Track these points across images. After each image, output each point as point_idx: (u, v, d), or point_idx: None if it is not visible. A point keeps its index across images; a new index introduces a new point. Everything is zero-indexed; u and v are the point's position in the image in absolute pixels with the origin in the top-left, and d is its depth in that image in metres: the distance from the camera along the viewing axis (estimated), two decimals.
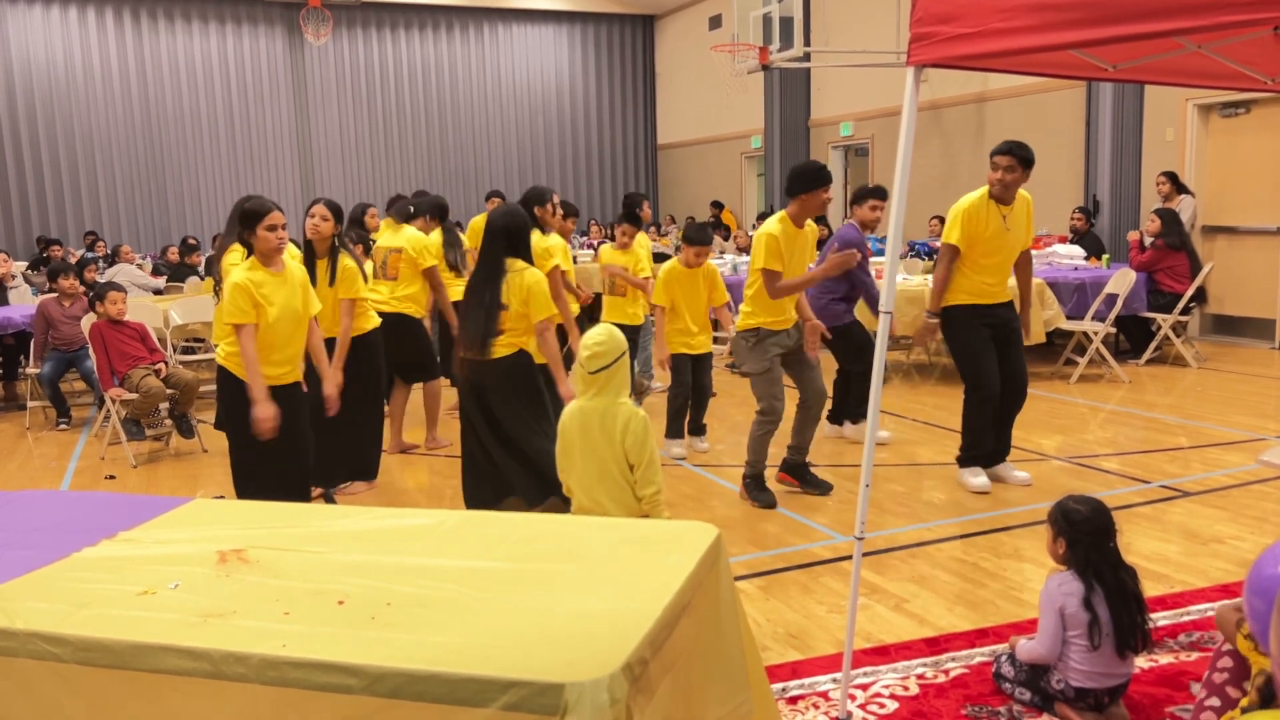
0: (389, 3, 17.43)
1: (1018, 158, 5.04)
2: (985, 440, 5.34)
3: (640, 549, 2.44)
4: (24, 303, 9.16)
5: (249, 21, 16.82)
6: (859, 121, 14.36)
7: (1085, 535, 2.93)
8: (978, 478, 5.34)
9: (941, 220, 11.79)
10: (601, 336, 3.32)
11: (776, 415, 5.08)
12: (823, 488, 5.31)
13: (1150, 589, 3.67)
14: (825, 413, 6.02)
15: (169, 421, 6.84)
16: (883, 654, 3.45)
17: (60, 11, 15.69)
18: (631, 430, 3.28)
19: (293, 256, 5.01)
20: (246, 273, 4.28)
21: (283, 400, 4.31)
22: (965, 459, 5.41)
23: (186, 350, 9.06)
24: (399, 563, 2.42)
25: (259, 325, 4.24)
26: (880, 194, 6.35)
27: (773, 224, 4.96)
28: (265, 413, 4.20)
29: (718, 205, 16.90)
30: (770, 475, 5.31)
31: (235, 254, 5.05)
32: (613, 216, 19.15)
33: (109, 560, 2.52)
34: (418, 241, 6.24)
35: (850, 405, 6.50)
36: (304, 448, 4.51)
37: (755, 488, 5.19)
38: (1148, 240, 8.85)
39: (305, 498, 4.56)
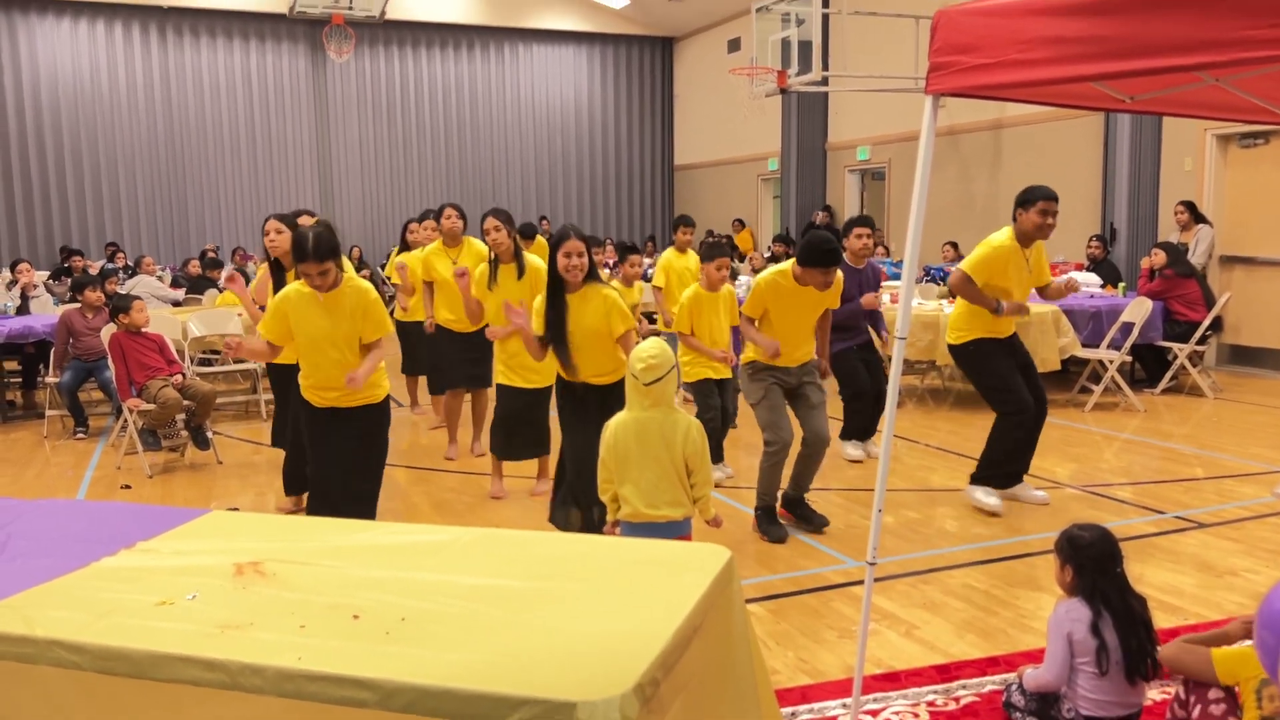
0: (411, 22, 17.60)
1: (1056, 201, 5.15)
2: (1010, 462, 5.41)
3: (653, 569, 2.45)
4: (45, 312, 9.26)
5: (273, 38, 17.02)
6: (876, 146, 14.40)
7: (1091, 560, 2.93)
8: (991, 497, 5.36)
9: (955, 246, 11.87)
10: (654, 350, 3.44)
11: (781, 444, 5.01)
12: (817, 523, 5.17)
13: (1163, 621, 3.66)
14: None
15: (185, 433, 6.88)
16: (893, 680, 3.44)
17: (88, 25, 15.92)
18: (692, 439, 3.47)
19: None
20: (293, 287, 4.28)
21: (331, 423, 4.32)
22: (981, 478, 5.44)
23: (203, 362, 9.13)
24: (414, 578, 2.44)
25: (305, 343, 4.26)
26: (866, 222, 6.51)
27: (774, 272, 5.03)
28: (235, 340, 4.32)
29: (740, 223, 16.98)
30: (826, 501, 5.27)
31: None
32: (629, 236, 19.23)
33: (128, 570, 2.55)
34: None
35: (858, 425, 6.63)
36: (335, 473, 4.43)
37: (766, 520, 5.10)
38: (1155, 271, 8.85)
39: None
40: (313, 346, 4.25)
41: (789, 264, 5.03)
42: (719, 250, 5.90)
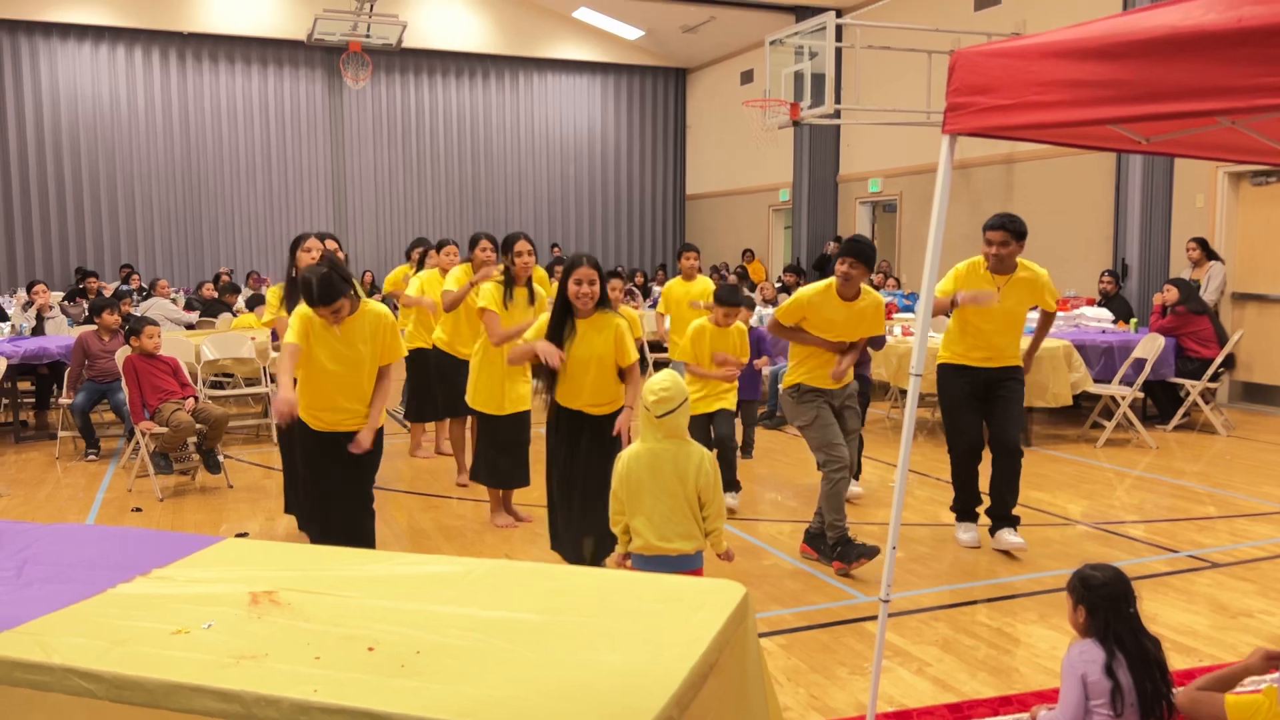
0: (427, 50, 17.78)
1: (1010, 231, 5.09)
2: (961, 495, 5.47)
3: (669, 605, 2.45)
4: (60, 333, 9.31)
5: (290, 64, 17.21)
6: (887, 178, 14.45)
7: (1104, 601, 2.92)
8: (964, 533, 5.45)
9: None
10: (666, 382, 3.45)
11: (840, 463, 4.94)
12: (870, 553, 4.99)
13: (1177, 662, 3.63)
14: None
15: (196, 456, 6.90)
16: (905, 719, 3.42)
17: (109, 50, 16.12)
18: (705, 471, 3.47)
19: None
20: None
21: (335, 448, 4.31)
22: (954, 509, 5.55)
23: (215, 385, 9.16)
24: (428, 610, 2.44)
25: (309, 363, 4.25)
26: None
27: (818, 287, 5.05)
28: (284, 402, 4.05)
29: (750, 254, 17.02)
30: (857, 533, 5.11)
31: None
32: (640, 264, 19.30)
33: (143, 598, 2.55)
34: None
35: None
36: (344, 495, 4.43)
37: (848, 548, 4.89)
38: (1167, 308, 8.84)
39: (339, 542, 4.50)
40: (321, 368, 4.26)
41: (832, 279, 5.03)
42: (738, 300, 5.93)
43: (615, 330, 4.43)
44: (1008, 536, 5.25)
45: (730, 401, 6.13)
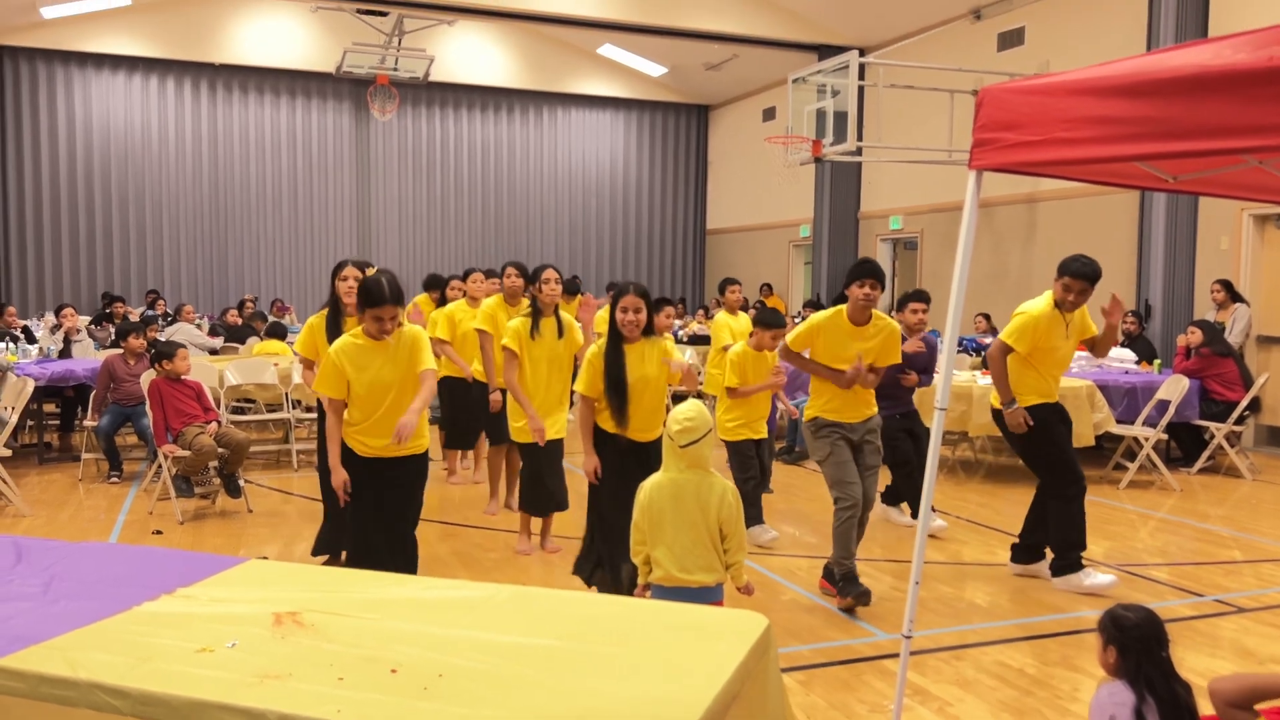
0: (454, 84, 18.01)
1: (1089, 280, 5.17)
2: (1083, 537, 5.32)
3: (692, 635, 2.44)
4: (86, 356, 9.42)
5: (319, 96, 17.47)
6: (908, 215, 14.48)
7: (1136, 642, 2.87)
8: (1090, 578, 5.22)
9: (988, 317, 11.86)
10: (690, 412, 3.44)
11: (852, 501, 4.89)
12: (862, 598, 4.94)
13: (1204, 708, 3.57)
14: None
15: (217, 480, 6.94)
16: None
17: (142, 80, 16.41)
18: (727, 503, 3.45)
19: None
20: (346, 338, 4.34)
21: (383, 472, 4.34)
22: (1068, 564, 5.29)
23: (237, 410, 9.23)
24: (451, 634, 2.44)
25: (351, 394, 4.27)
26: (920, 297, 6.58)
27: (829, 313, 5.04)
28: (337, 479, 4.27)
29: (768, 288, 17.05)
30: (859, 570, 5.03)
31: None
32: (659, 295, 19.35)
33: (169, 616, 2.57)
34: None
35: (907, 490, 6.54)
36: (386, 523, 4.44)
37: (847, 584, 4.88)
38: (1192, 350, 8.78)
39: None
40: (370, 392, 4.26)
41: (843, 306, 5.01)
42: (780, 321, 5.97)
43: (661, 350, 4.57)
44: (1090, 579, 5.25)
45: (763, 431, 6.15)
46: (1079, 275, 5.16)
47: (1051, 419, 5.27)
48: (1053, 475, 5.29)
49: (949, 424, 8.07)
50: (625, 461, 4.50)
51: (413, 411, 4.19)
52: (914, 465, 6.34)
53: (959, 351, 10.58)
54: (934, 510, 6.48)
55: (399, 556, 4.34)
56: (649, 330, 4.54)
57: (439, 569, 5.57)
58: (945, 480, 8.30)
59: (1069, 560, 5.27)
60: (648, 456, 4.42)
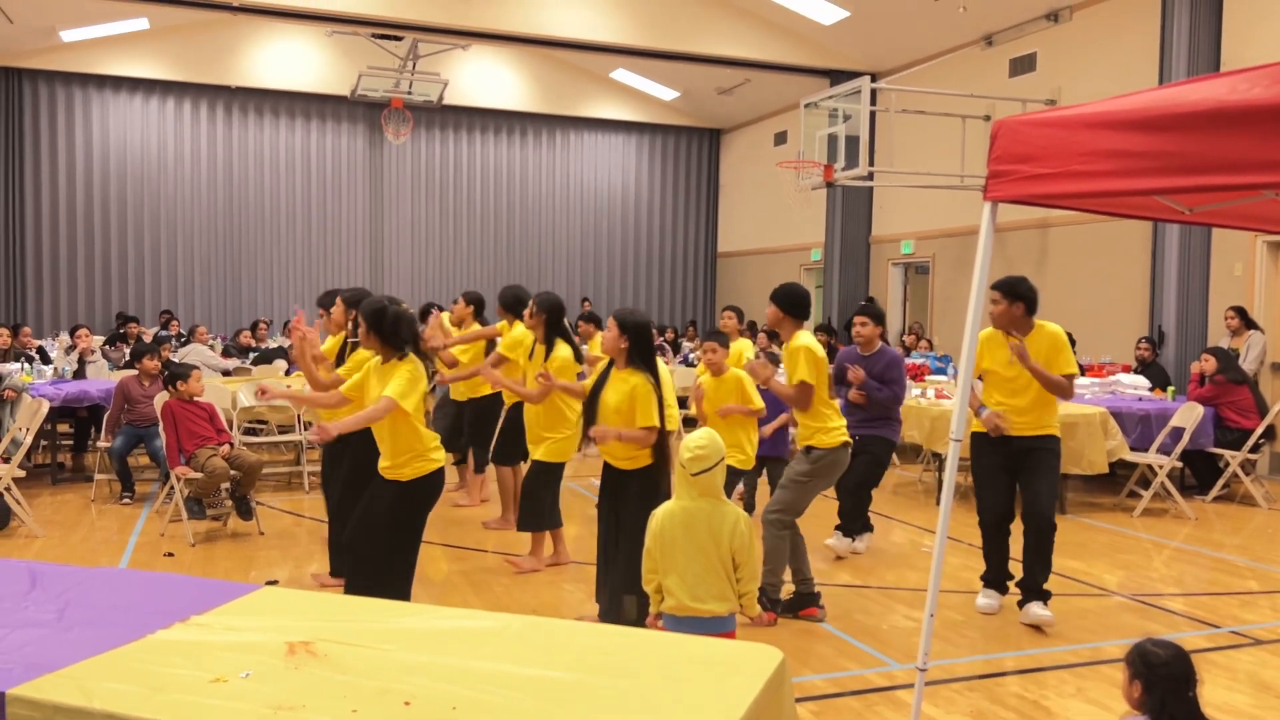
0: (468, 107, 18.14)
1: (1001, 291, 5.18)
2: (989, 564, 5.44)
3: (706, 669, 2.43)
4: (101, 377, 9.46)
5: (333, 119, 17.62)
6: (920, 240, 14.49)
7: (1163, 680, 2.82)
8: (983, 598, 5.42)
9: None
10: (703, 440, 3.44)
11: (782, 526, 5.13)
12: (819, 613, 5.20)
13: None
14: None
15: (229, 502, 6.95)
16: None
17: (159, 102, 16.58)
18: (739, 532, 3.44)
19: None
20: (368, 354, 4.66)
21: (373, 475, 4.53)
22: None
23: (249, 431, 9.25)
24: (465, 666, 2.43)
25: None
26: (864, 311, 6.66)
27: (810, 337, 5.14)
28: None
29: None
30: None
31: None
32: (670, 320, 19.39)
33: (182, 645, 2.57)
34: None
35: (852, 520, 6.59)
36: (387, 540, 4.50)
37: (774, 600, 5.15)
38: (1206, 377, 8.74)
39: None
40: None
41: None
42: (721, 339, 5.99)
43: (633, 389, 4.54)
44: (1036, 610, 5.15)
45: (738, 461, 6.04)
46: (994, 286, 5.18)
47: (978, 447, 5.37)
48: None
49: (943, 447, 8.05)
50: (608, 487, 4.78)
51: (343, 421, 4.27)
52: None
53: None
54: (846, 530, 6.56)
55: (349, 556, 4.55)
56: (633, 359, 4.59)
57: (450, 593, 5.57)
58: (957, 507, 8.22)
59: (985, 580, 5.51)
60: (625, 484, 4.64)
